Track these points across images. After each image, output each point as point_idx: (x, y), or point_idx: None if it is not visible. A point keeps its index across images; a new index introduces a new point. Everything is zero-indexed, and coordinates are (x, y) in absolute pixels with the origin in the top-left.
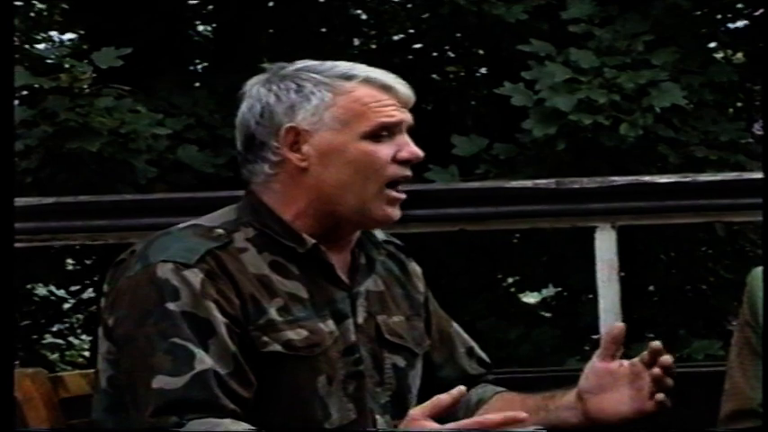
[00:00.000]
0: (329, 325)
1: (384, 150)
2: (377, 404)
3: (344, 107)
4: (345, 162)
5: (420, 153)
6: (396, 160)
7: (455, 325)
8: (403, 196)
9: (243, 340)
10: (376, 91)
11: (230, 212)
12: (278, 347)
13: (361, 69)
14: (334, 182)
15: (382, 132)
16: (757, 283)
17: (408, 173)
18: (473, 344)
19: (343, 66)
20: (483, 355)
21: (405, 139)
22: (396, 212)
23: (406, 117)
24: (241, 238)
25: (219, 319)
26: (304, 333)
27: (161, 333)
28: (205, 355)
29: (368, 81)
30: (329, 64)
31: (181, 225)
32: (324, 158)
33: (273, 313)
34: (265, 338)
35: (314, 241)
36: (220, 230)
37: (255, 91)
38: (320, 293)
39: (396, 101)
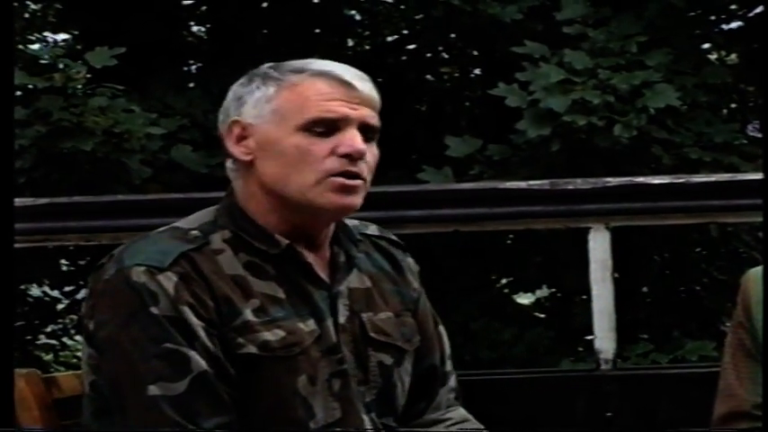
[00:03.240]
0: (309, 324)
1: (321, 144)
2: (361, 403)
3: (286, 100)
4: (279, 154)
5: (361, 147)
6: (335, 154)
7: (441, 328)
8: (353, 183)
9: (220, 343)
10: (324, 85)
11: (209, 214)
12: (253, 349)
13: (318, 64)
14: (272, 174)
15: (319, 127)
16: (752, 285)
17: (351, 168)
18: (447, 354)
19: (302, 61)
20: (450, 368)
21: (351, 134)
22: (347, 200)
23: (358, 114)
24: (218, 239)
25: (196, 322)
26: (281, 333)
27: (151, 338)
28: (199, 357)
29: (318, 74)
30: (295, 60)
31: (159, 229)
32: (263, 152)
33: (249, 314)
34: (241, 340)
35: (287, 242)
36: (196, 232)
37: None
38: (298, 293)
39: (346, 96)
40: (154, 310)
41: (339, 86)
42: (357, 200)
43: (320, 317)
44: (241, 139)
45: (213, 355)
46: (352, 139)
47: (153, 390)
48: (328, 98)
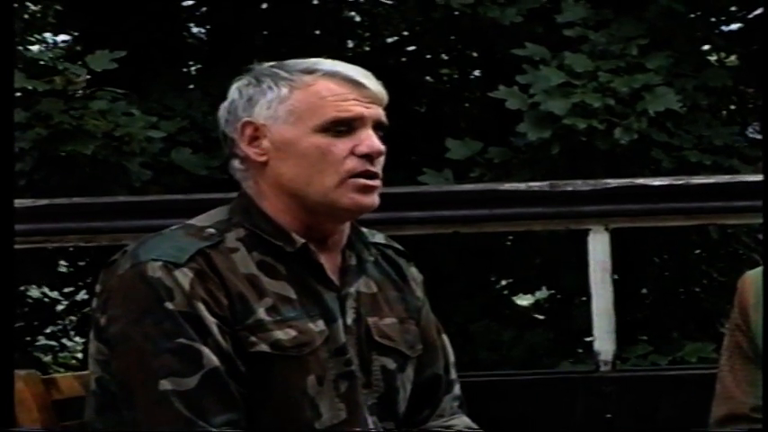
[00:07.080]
0: (319, 325)
1: (340, 145)
2: (365, 405)
3: (300, 101)
4: (299, 156)
5: (380, 147)
6: (354, 154)
7: (444, 337)
8: (373, 183)
9: (232, 340)
10: (337, 85)
11: (222, 212)
12: (265, 347)
13: (327, 64)
14: (291, 176)
15: (338, 127)
16: (748, 288)
17: (371, 167)
18: (452, 363)
19: (310, 61)
20: (454, 376)
21: (367, 133)
22: (368, 199)
23: (372, 112)
24: (232, 237)
25: (210, 319)
26: (293, 333)
27: (164, 333)
28: (211, 353)
29: (330, 75)
30: (300, 60)
31: (173, 227)
32: (280, 152)
33: (262, 313)
34: (253, 338)
35: (303, 241)
36: (212, 230)
37: (230, 89)
38: (309, 294)
39: (359, 95)
40: (168, 305)
41: (351, 86)
42: (376, 199)
43: (329, 318)
44: (253, 139)
45: (225, 352)
46: (370, 138)
47: (164, 384)
48: (343, 98)
